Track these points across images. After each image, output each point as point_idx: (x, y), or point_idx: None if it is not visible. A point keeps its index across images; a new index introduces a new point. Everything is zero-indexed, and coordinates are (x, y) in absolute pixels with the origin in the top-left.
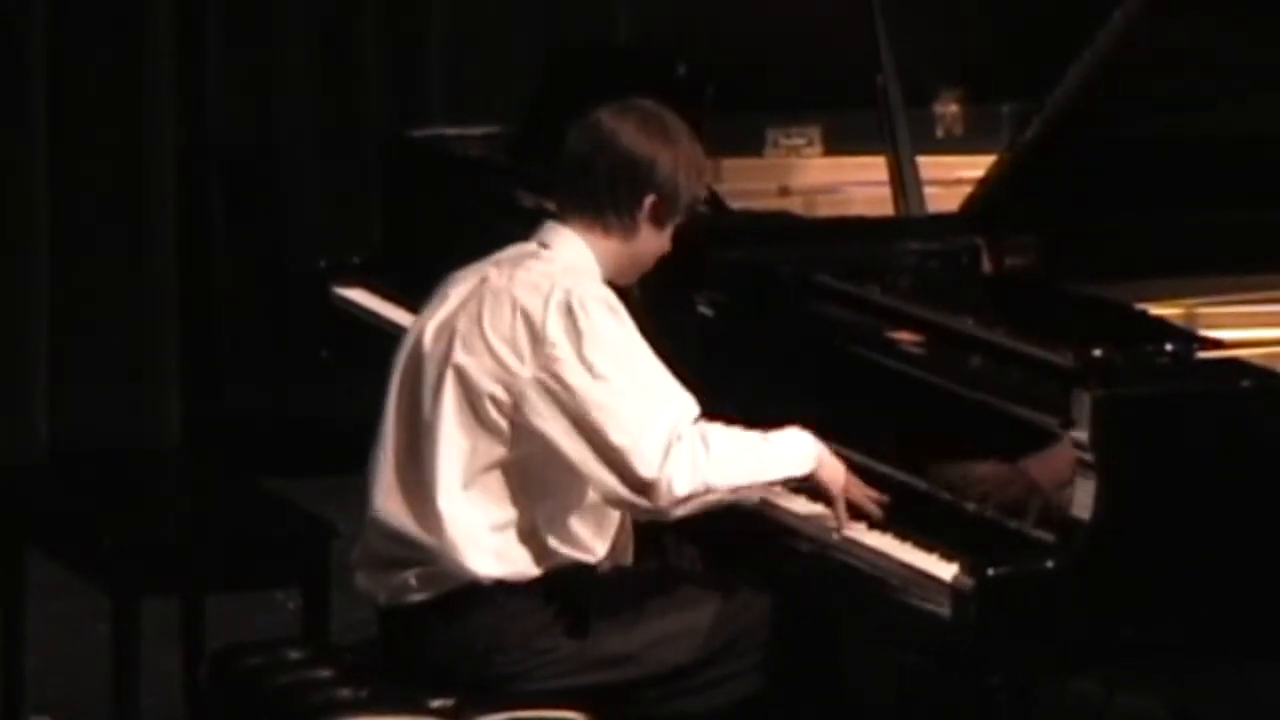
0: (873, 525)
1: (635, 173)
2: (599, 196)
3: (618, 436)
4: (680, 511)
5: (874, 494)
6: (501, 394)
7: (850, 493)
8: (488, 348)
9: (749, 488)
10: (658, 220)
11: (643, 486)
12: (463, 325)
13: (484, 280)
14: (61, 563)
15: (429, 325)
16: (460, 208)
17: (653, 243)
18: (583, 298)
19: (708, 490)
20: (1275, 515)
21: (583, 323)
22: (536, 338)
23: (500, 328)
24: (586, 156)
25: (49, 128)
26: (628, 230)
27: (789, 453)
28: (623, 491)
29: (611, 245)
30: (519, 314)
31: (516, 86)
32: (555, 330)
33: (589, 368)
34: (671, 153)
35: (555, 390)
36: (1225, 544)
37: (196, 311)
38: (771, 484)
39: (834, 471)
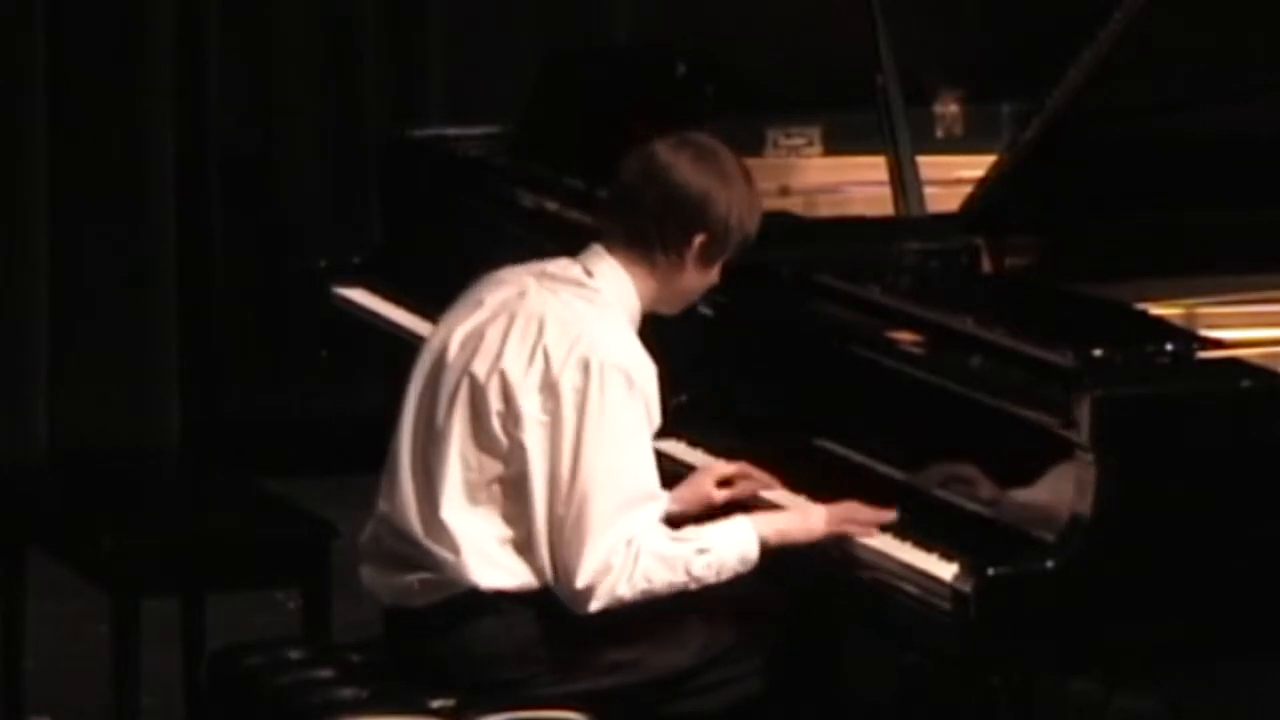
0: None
1: (687, 209)
2: (647, 230)
3: (573, 529)
4: (591, 614)
5: (872, 514)
6: (505, 412)
7: (845, 525)
8: (501, 372)
9: (671, 594)
10: (705, 259)
11: (568, 589)
12: (488, 338)
13: (523, 295)
14: (61, 563)
15: (457, 331)
16: (460, 207)
17: (698, 280)
18: (604, 363)
19: (621, 605)
20: (1275, 515)
21: (594, 391)
22: (550, 383)
23: (521, 354)
24: (638, 188)
25: (49, 127)
26: (674, 267)
27: (728, 558)
28: (548, 573)
29: (654, 281)
30: (541, 350)
31: (516, 86)
32: (567, 385)
33: (579, 446)
34: (726, 191)
35: (548, 441)
36: (1225, 544)
37: (196, 311)
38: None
39: (806, 531)
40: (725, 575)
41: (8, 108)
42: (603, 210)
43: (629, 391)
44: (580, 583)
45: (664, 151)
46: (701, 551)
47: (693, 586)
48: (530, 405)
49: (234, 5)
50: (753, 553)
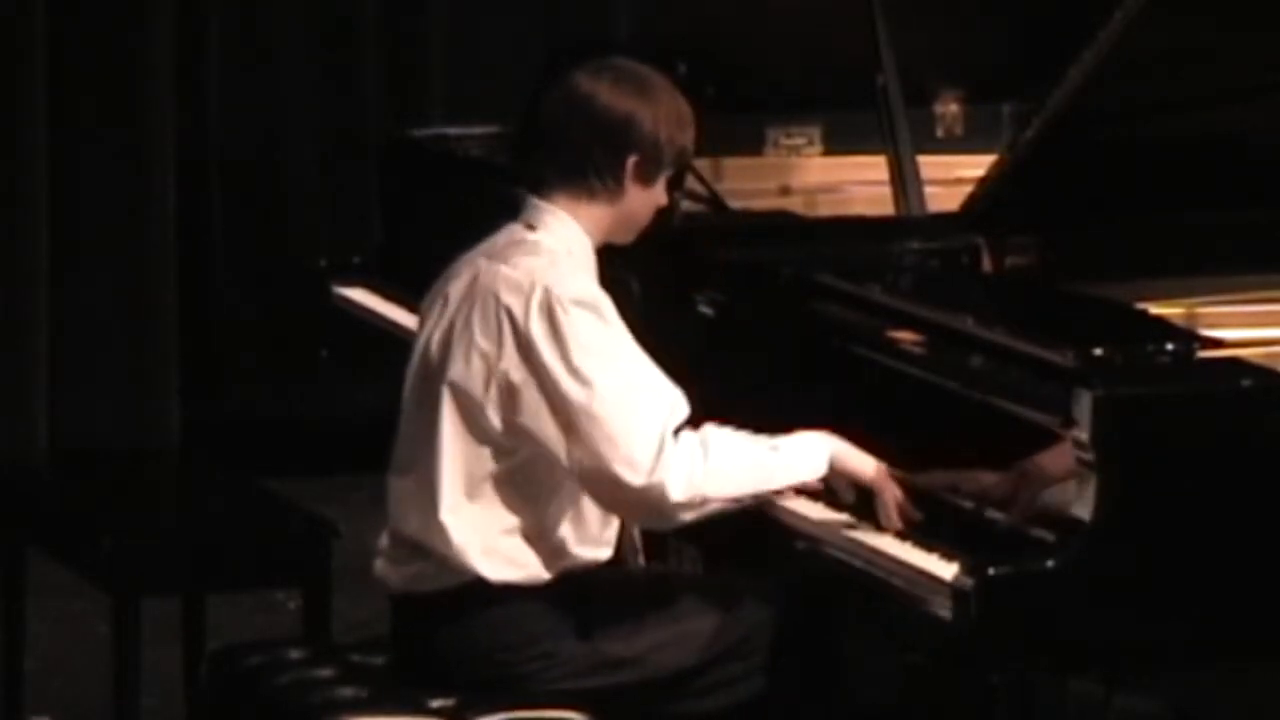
0: (879, 527)
1: (614, 134)
2: (580, 163)
3: (606, 446)
4: (681, 517)
5: (905, 505)
6: (496, 396)
7: (889, 489)
8: (480, 353)
9: (751, 496)
10: (643, 179)
11: (634, 494)
12: (458, 331)
13: (476, 277)
14: (61, 563)
15: (435, 335)
16: (460, 207)
17: (643, 201)
18: (561, 297)
19: (704, 500)
20: (1275, 515)
21: (564, 326)
22: (521, 341)
23: (489, 331)
24: (564, 123)
25: (49, 128)
26: (613, 193)
27: (799, 460)
28: (618, 498)
29: (599, 211)
30: (504, 314)
31: (516, 86)
32: (538, 333)
33: (575, 374)
34: (650, 109)
35: (545, 396)
36: (1225, 544)
37: (196, 311)
38: (778, 491)
39: (861, 463)
40: (796, 479)
41: (8, 108)
42: (536, 153)
43: (594, 312)
44: (640, 480)
45: (584, 81)
46: (774, 449)
47: (768, 487)
48: (518, 376)
49: (234, 5)
50: (821, 461)
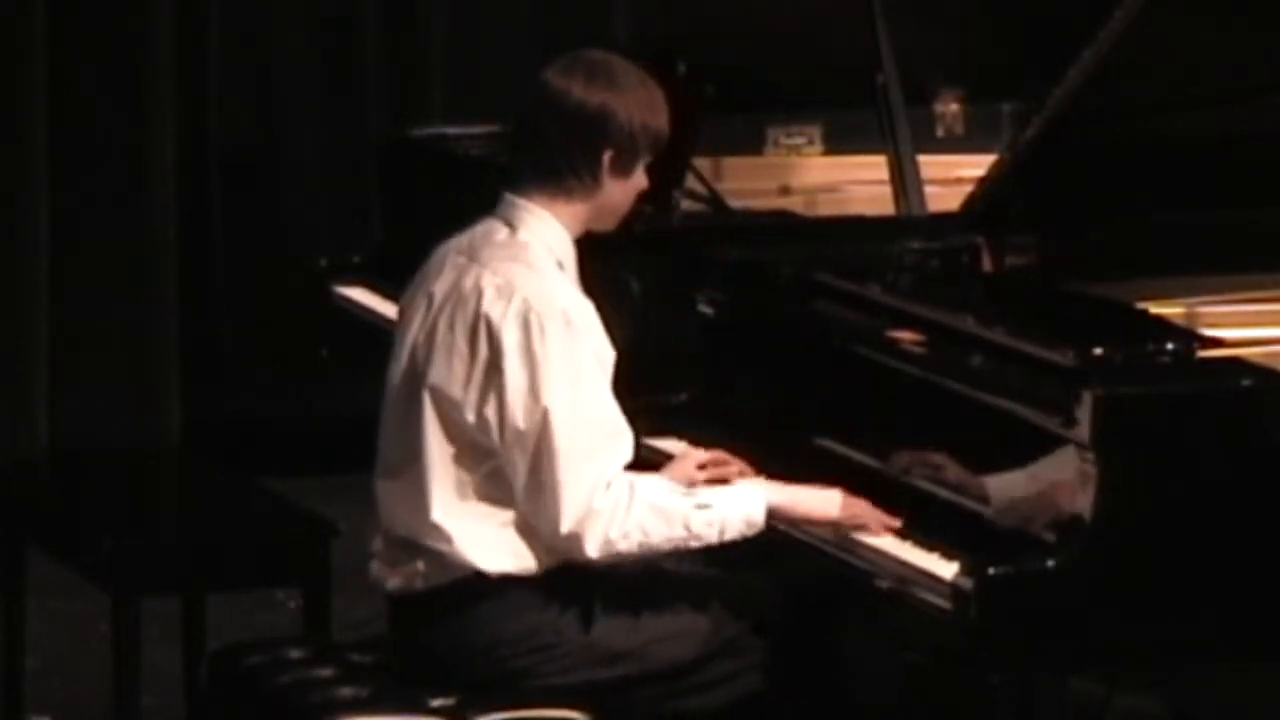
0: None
1: (589, 130)
2: (556, 161)
3: (545, 478)
4: (593, 564)
5: (881, 517)
6: (473, 399)
7: (856, 517)
8: (460, 356)
9: (670, 552)
10: (621, 171)
11: (553, 536)
12: (440, 333)
13: (459, 279)
14: (61, 563)
15: (421, 336)
16: (461, 206)
17: (622, 190)
18: (541, 312)
19: (618, 555)
20: (1275, 515)
21: (535, 342)
22: (494, 346)
23: (467, 334)
24: (538, 122)
25: (49, 127)
26: (590, 189)
27: (730, 518)
28: (540, 528)
29: (576, 206)
30: (483, 320)
31: (516, 86)
32: (510, 343)
33: (534, 396)
34: (621, 101)
35: (500, 406)
36: (1225, 544)
37: (196, 311)
38: (708, 546)
39: (815, 505)
40: (729, 535)
41: (8, 107)
42: (510, 153)
43: (569, 332)
44: (565, 528)
45: (556, 79)
46: (702, 507)
47: (694, 544)
48: (489, 380)
49: (234, 5)
50: (758, 516)
